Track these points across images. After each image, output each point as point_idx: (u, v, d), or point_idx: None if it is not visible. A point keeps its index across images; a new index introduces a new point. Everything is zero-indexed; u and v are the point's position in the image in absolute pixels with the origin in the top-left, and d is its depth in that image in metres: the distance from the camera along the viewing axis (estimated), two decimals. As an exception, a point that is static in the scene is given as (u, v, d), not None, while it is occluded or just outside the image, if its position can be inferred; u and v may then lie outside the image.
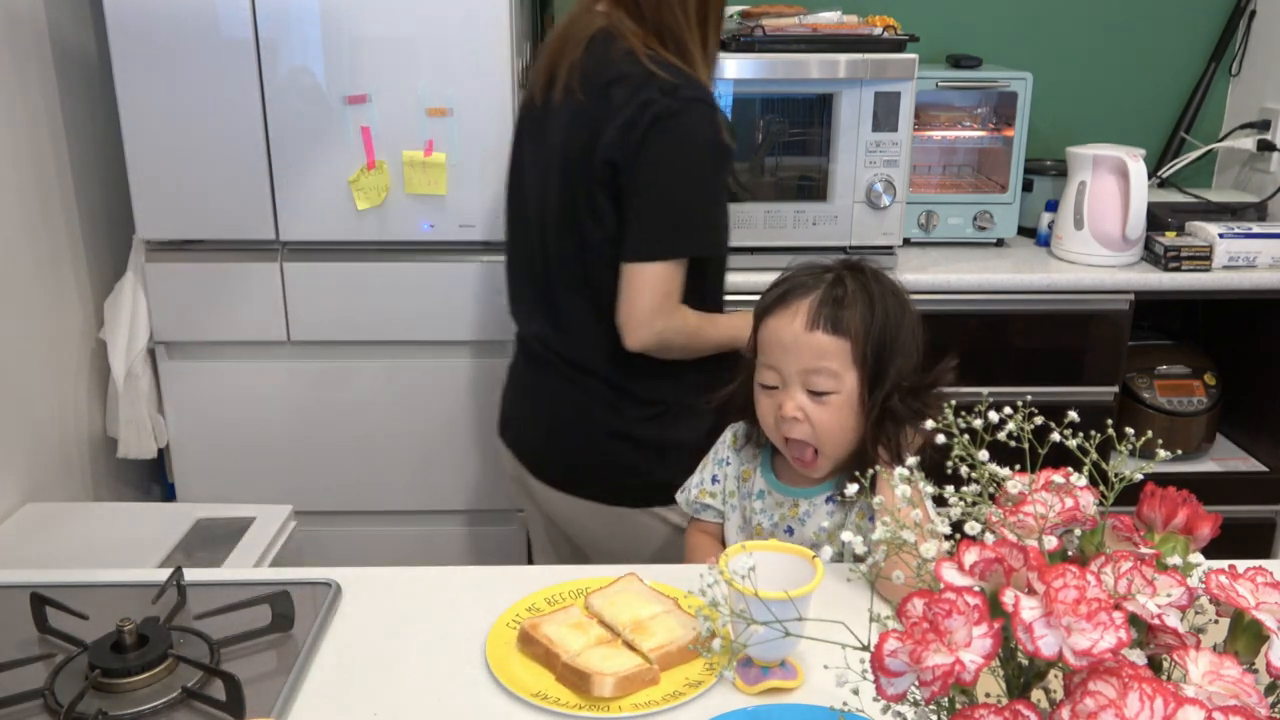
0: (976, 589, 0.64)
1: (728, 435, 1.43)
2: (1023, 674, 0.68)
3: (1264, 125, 2.54)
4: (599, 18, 1.54)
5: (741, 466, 1.40)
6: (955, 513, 0.74)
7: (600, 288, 1.56)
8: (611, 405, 1.62)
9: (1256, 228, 2.29)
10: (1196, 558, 0.72)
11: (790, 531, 1.34)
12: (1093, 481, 0.74)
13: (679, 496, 1.46)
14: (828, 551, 0.83)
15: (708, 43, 1.57)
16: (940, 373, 1.29)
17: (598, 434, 1.63)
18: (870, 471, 0.93)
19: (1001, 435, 0.76)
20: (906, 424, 1.26)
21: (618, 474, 1.63)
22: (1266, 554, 2.44)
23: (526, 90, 1.66)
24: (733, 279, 2.18)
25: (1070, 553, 0.73)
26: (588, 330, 1.60)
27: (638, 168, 1.49)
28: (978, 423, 0.76)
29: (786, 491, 1.35)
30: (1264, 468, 2.45)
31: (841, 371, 1.25)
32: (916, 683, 0.62)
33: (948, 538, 0.71)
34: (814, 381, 1.25)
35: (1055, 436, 0.78)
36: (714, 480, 1.42)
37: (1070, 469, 0.74)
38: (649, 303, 1.52)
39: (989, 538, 0.69)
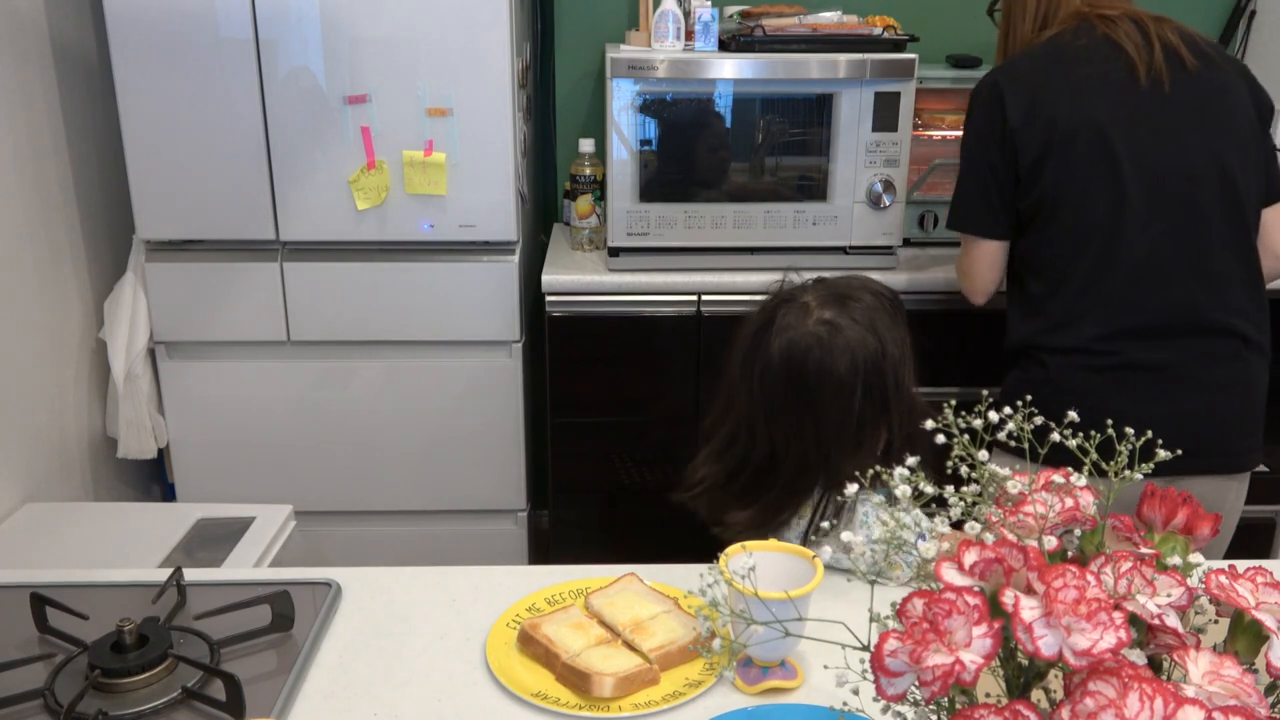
0: (976, 589, 0.64)
1: None
2: (1023, 674, 0.68)
3: (1264, 125, 2.54)
4: None
5: None
6: (955, 513, 0.74)
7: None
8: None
9: (1256, 228, 2.29)
10: (1196, 558, 0.72)
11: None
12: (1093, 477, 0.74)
13: None
14: (827, 552, 0.83)
15: None
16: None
17: None
18: (870, 471, 0.93)
19: (1001, 435, 0.76)
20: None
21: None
22: (1266, 554, 2.44)
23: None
24: (732, 279, 2.18)
25: (1070, 553, 0.73)
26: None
27: None
28: (978, 423, 0.76)
29: None
30: (1264, 468, 2.45)
31: None
32: (916, 683, 0.62)
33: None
34: None
35: (1055, 436, 0.78)
36: None
37: (1070, 469, 0.74)
38: None
39: (989, 538, 0.69)
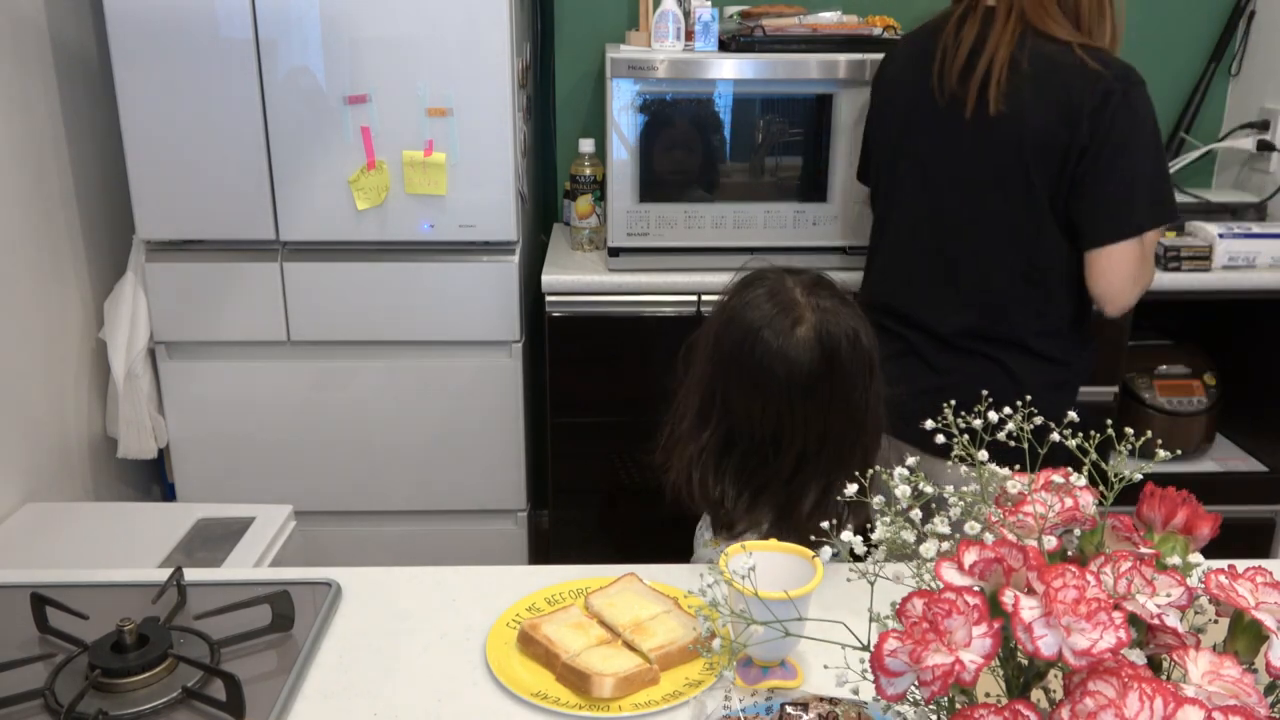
0: (976, 589, 0.64)
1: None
2: (1023, 674, 0.68)
3: (1264, 125, 2.54)
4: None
5: None
6: (955, 513, 0.74)
7: None
8: None
9: (1256, 228, 2.29)
10: (1196, 558, 0.72)
11: None
12: (1092, 481, 0.74)
13: None
14: (828, 552, 0.83)
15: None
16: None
17: None
18: (870, 471, 0.93)
19: (1001, 435, 0.76)
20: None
21: None
22: (1266, 554, 2.44)
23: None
24: (731, 280, 2.18)
25: (1070, 553, 0.73)
26: None
27: None
28: (977, 423, 0.76)
29: None
30: (1264, 468, 2.45)
31: None
32: (916, 683, 0.62)
33: (946, 538, 0.71)
34: None
35: (1055, 436, 0.78)
36: None
37: (1070, 469, 0.74)
38: None
39: (989, 538, 0.69)
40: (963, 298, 1.68)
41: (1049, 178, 1.57)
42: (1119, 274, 1.59)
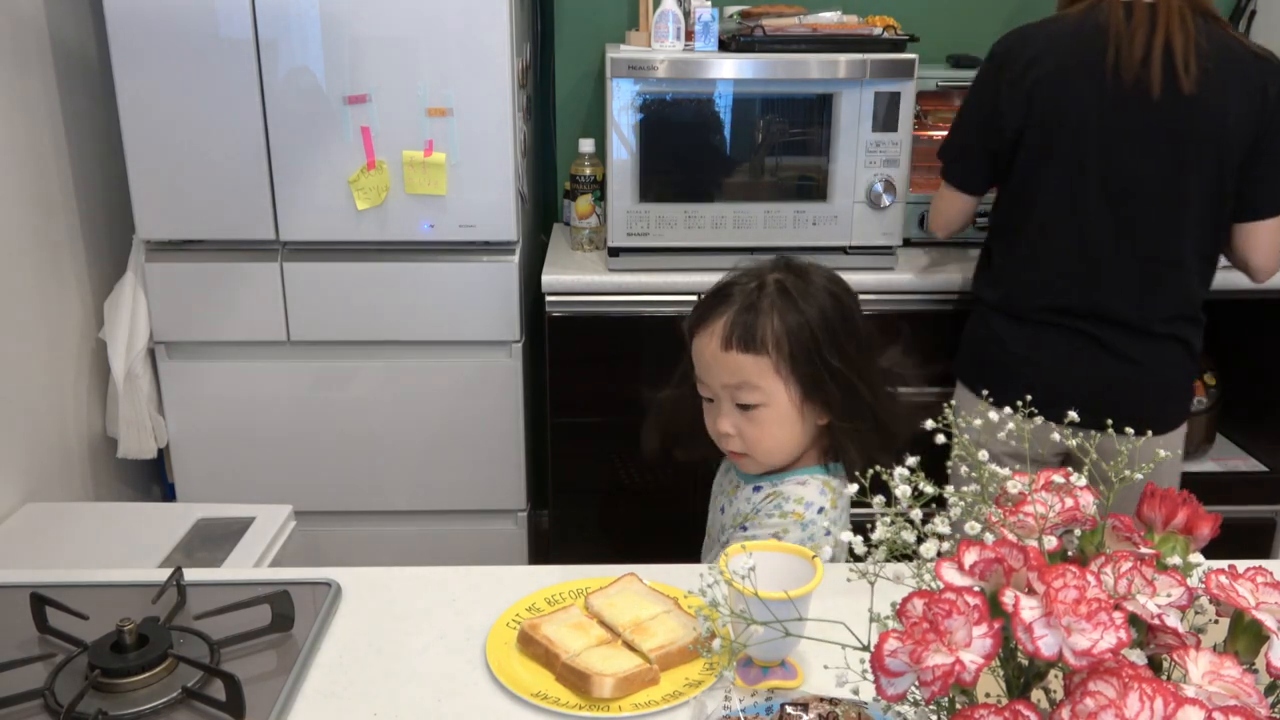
0: (976, 589, 0.64)
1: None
2: (1023, 674, 0.68)
3: (1264, 125, 2.54)
4: None
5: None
6: (955, 513, 0.74)
7: None
8: None
9: (1256, 228, 2.29)
10: (1196, 558, 0.72)
11: (722, 510, 1.39)
12: (1093, 481, 0.74)
13: None
14: (827, 552, 0.83)
15: None
16: (889, 357, 1.33)
17: None
18: (870, 471, 0.93)
19: (1001, 435, 0.76)
20: (864, 415, 1.28)
21: None
22: (1266, 554, 2.44)
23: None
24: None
25: (1070, 553, 0.73)
26: None
27: None
28: (977, 423, 0.76)
29: (742, 475, 1.39)
30: (1264, 468, 2.45)
31: (765, 385, 1.26)
32: (916, 683, 0.62)
33: (946, 538, 0.71)
34: (740, 396, 1.27)
35: (1055, 436, 0.78)
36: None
37: (1070, 469, 0.74)
38: None
39: (989, 538, 0.69)
40: (1155, 281, 1.73)
41: (1238, 153, 1.66)
42: (1277, 245, 1.74)
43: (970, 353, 1.92)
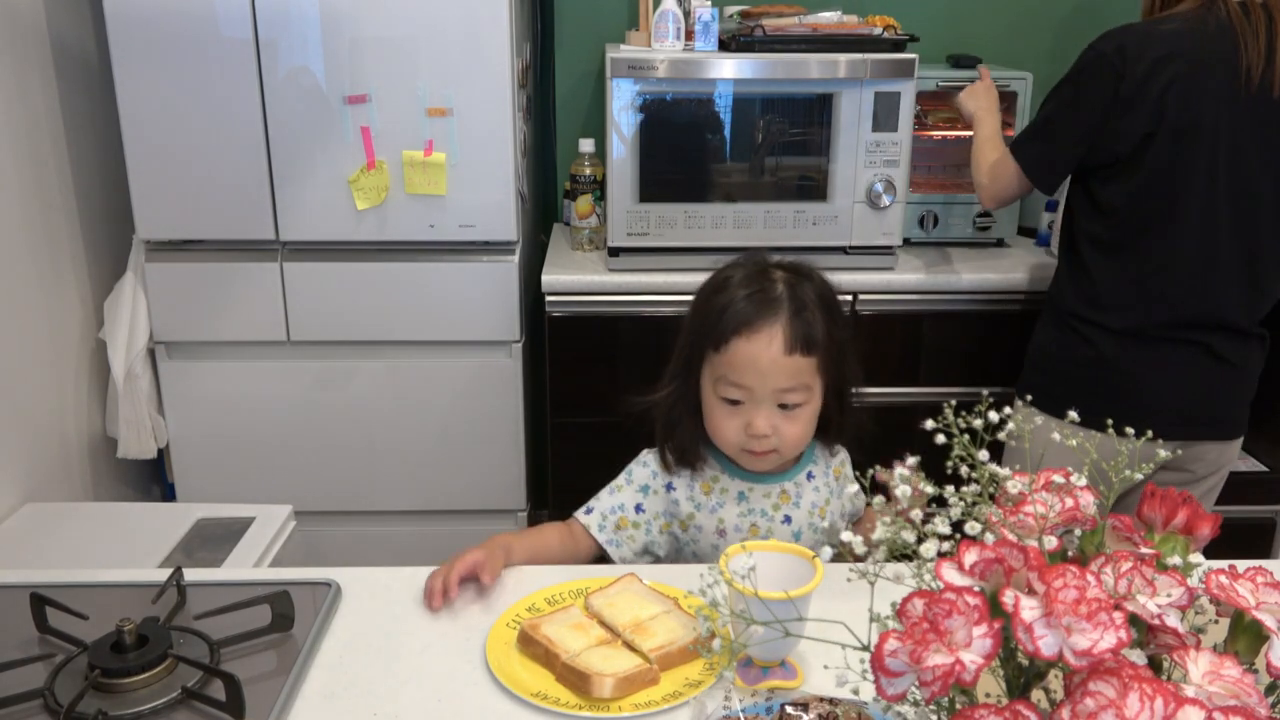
0: (976, 589, 0.64)
1: (651, 463, 1.40)
2: (1023, 674, 0.68)
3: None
4: None
5: (692, 485, 1.37)
6: (955, 513, 0.73)
7: None
8: None
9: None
10: (1197, 558, 0.72)
11: (788, 520, 1.35)
12: (1093, 481, 0.74)
13: (585, 518, 1.37)
14: (827, 551, 0.83)
15: None
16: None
17: None
18: (870, 471, 0.93)
19: (1002, 435, 0.76)
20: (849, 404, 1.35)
21: None
22: (1266, 554, 2.44)
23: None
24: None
25: (1070, 553, 0.73)
26: None
27: None
28: (978, 423, 0.76)
29: (772, 480, 1.35)
30: (1264, 468, 2.45)
31: (813, 384, 1.28)
32: (916, 683, 0.62)
33: (946, 538, 0.71)
34: (790, 397, 1.26)
35: (1055, 436, 0.78)
36: (638, 509, 1.37)
37: (1070, 468, 0.74)
38: None
39: (989, 538, 0.69)
40: (1261, 281, 1.72)
41: None
42: None
43: (1061, 372, 1.80)
